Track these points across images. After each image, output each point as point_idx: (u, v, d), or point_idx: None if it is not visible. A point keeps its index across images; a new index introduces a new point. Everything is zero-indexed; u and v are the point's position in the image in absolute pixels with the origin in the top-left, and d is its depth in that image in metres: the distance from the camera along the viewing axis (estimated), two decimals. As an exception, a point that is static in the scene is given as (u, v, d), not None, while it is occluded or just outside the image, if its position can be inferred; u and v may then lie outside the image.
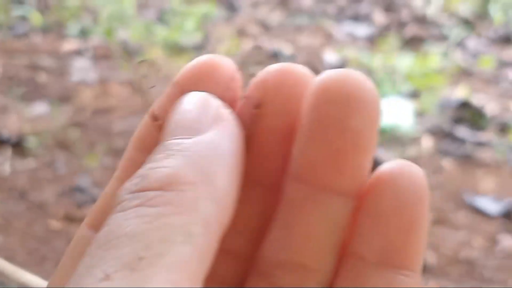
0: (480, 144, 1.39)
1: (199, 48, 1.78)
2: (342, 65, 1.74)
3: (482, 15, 2.07)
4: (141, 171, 0.19)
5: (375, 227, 0.21)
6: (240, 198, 0.21)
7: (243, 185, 0.21)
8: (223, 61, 0.22)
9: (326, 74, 0.20)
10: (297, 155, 0.21)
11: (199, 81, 0.22)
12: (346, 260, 0.21)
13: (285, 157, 0.21)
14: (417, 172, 0.21)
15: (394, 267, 0.21)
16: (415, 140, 1.39)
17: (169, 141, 0.19)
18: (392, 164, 0.21)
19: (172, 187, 0.18)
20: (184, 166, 0.18)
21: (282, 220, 0.21)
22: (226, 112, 0.20)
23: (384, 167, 0.21)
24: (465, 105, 1.52)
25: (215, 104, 0.20)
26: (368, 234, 0.21)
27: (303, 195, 0.21)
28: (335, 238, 0.21)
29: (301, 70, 0.21)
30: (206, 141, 0.19)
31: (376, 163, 0.20)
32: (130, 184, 0.18)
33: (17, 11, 1.90)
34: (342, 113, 0.20)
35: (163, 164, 0.18)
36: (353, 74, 0.20)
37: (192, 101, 0.20)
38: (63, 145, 1.27)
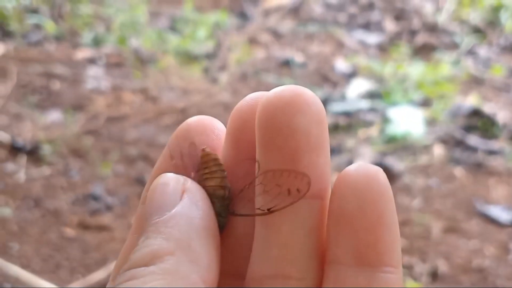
0: (492, 152, 1.39)
1: (211, 56, 1.79)
2: (353, 73, 1.74)
3: (493, 23, 2.07)
4: (130, 255, 0.22)
5: (343, 230, 0.21)
6: (236, 221, 0.24)
7: (238, 206, 0.24)
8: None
9: (271, 91, 0.22)
10: (259, 167, 0.22)
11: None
12: (328, 267, 0.22)
13: None
14: (375, 171, 0.22)
15: (371, 265, 0.21)
16: (426, 148, 1.39)
17: (147, 226, 0.22)
18: (351, 167, 0.22)
19: (154, 261, 0.20)
20: (160, 242, 0.21)
21: (258, 235, 0.23)
22: (190, 184, 0.23)
23: (343, 171, 0.22)
24: (476, 113, 1.51)
25: (180, 180, 0.23)
26: (338, 237, 0.22)
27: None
28: (310, 242, 0.22)
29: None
30: (176, 215, 0.22)
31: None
32: (124, 266, 0.21)
33: (31, 20, 1.92)
34: (288, 116, 0.21)
35: (144, 245, 0.21)
36: (293, 86, 0.22)
37: (161, 183, 0.23)
38: (77, 152, 1.28)
